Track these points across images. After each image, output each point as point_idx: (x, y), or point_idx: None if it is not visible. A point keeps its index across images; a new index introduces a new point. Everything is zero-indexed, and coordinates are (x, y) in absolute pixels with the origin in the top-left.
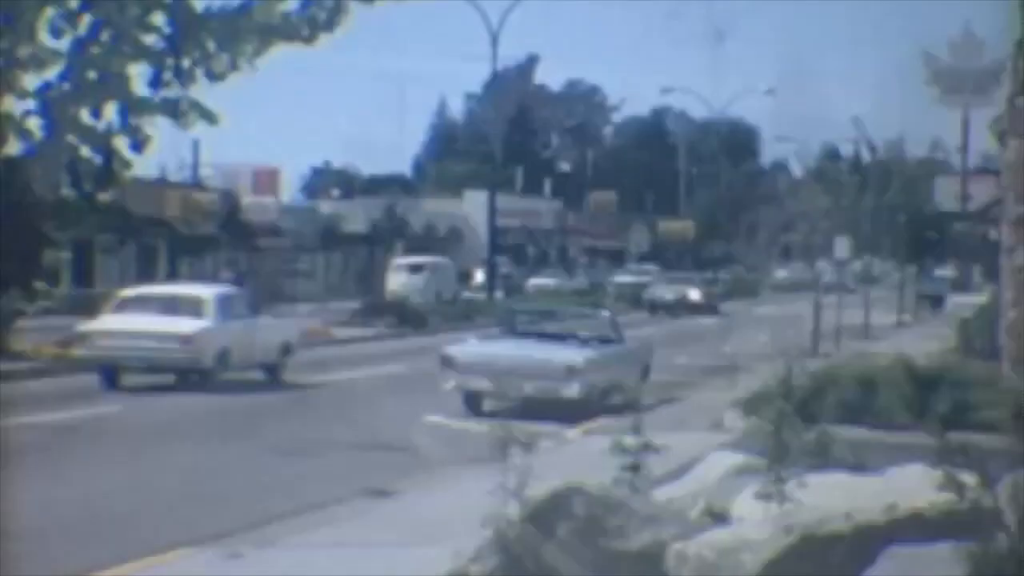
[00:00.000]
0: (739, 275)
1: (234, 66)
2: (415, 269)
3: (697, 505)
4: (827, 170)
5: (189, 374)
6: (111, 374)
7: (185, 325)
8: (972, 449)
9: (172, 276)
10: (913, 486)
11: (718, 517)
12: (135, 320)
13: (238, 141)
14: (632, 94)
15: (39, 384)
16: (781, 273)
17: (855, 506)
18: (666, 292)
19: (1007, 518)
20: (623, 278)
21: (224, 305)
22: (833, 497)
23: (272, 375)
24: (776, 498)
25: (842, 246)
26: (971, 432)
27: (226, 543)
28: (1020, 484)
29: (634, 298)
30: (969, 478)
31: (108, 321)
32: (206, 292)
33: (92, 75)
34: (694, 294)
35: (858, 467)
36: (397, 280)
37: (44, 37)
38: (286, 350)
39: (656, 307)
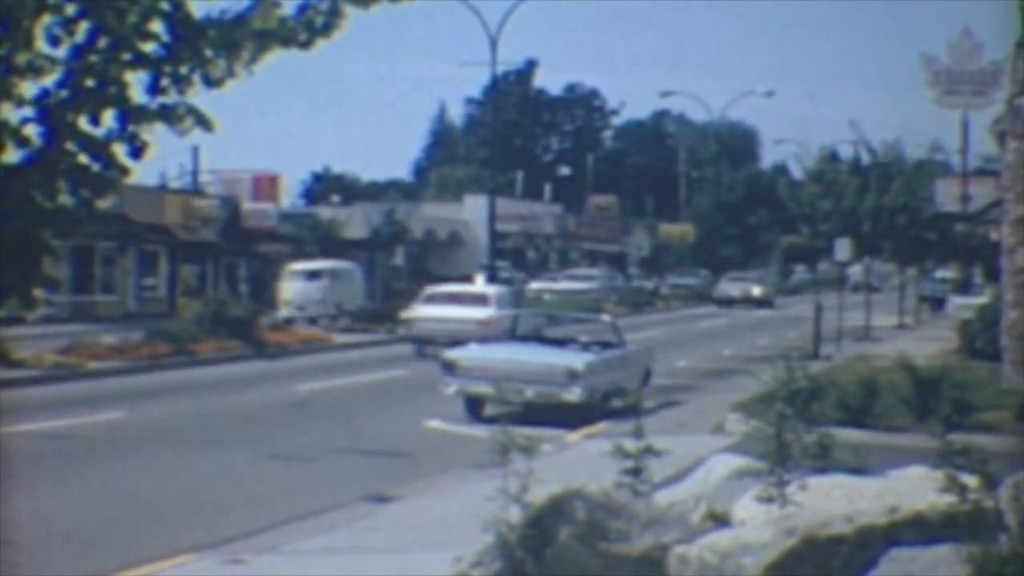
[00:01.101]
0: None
1: (232, 72)
2: (311, 276)
3: (699, 508)
4: (827, 172)
5: None
6: (423, 347)
7: (478, 312)
8: (973, 451)
9: (172, 283)
10: (914, 488)
11: (720, 520)
12: (442, 309)
13: (238, 147)
14: (631, 98)
15: (40, 391)
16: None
17: (856, 508)
18: (732, 289)
19: (1009, 519)
20: (563, 285)
21: (501, 299)
22: (834, 499)
23: None
24: (777, 501)
25: (843, 248)
26: (972, 434)
27: (227, 549)
28: (1021, 485)
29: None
30: (970, 480)
31: (422, 310)
32: (490, 289)
33: (90, 82)
34: (756, 290)
35: (859, 469)
36: (290, 289)
37: (42, 45)
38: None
39: (723, 302)
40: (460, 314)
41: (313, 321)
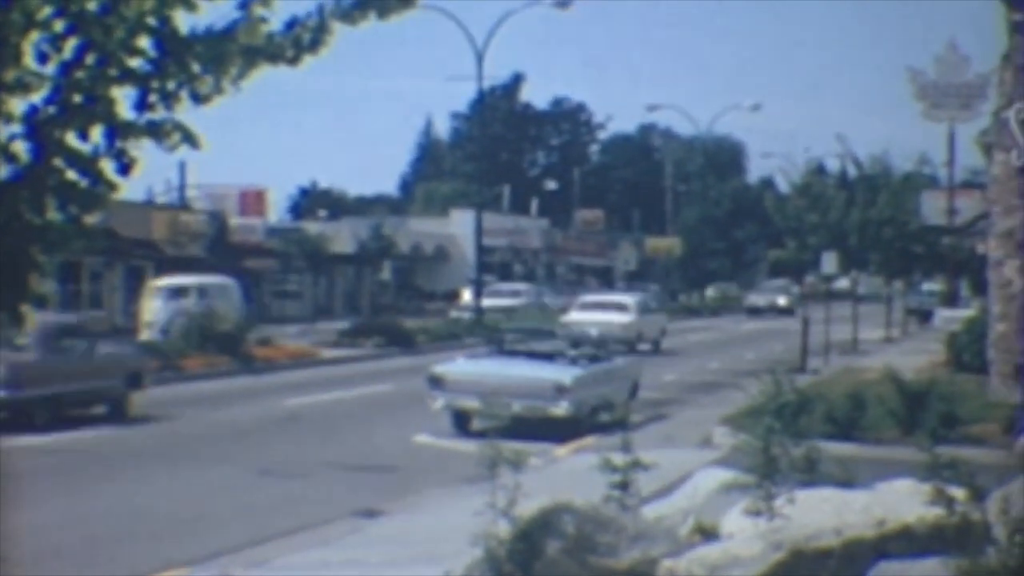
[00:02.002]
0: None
1: (219, 88)
2: (176, 294)
3: (687, 522)
4: (813, 185)
5: (627, 344)
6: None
7: (622, 317)
8: (961, 463)
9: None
10: (902, 501)
11: (708, 534)
12: (592, 315)
13: (225, 162)
14: (618, 111)
15: None
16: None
17: (844, 521)
18: (759, 299)
19: (996, 532)
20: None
21: (638, 306)
22: (822, 512)
23: (655, 346)
24: (765, 514)
25: (829, 262)
26: (960, 446)
27: (217, 564)
28: (1009, 498)
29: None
30: (958, 492)
31: (577, 315)
32: (629, 299)
33: (78, 98)
34: (781, 300)
35: (847, 482)
36: (151, 309)
37: (30, 61)
38: (663, 332)
39: (752, 311)
40: (607, 318)
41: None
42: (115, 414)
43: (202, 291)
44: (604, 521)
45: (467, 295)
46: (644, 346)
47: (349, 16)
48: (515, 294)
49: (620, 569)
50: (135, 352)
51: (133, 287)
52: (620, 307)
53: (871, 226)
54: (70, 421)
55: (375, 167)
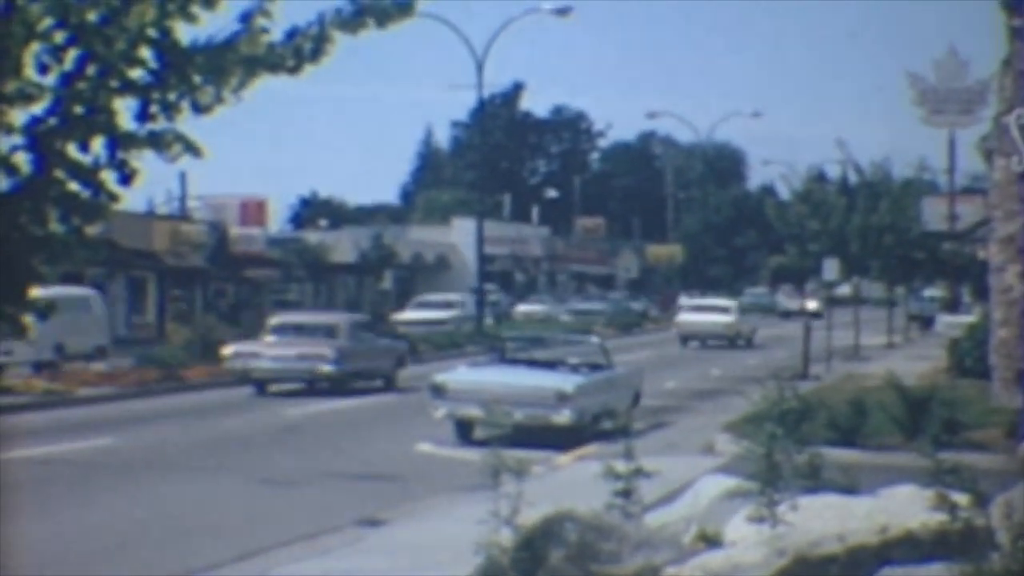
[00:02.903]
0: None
1: (220, 98)
2: None
3: (690, 529)
4: (814, 192)
5: (728, 340)
6: (687, 341)
7: (724, 318)
8: (964, 469)
9: (161, 309)
10: (905, 507)
11: (711, 541)
12: (699, 316)
13: (225, 173)
14: (618, 119)
15: (30, 418)
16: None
17: (847, 528)
18: (791, 304)
19: (1000, 537)
20: (414, 314)
21: (738, 308)
22: (825, 519)
23: (748, 342)
24: (768, 521)
25: (831, 268)
26: (962, 452)
27: (218, 574)
28: (1012, 503)
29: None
30: (961, 498)
31: (686, 316)
32: (731, 302)
33: (79, 110)
34: (812, 304)
35: (850, 489)
36: None
37: (31, 72)
38: (754, 331)
39: (784, 314)
40: (712, 319)
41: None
42: (388, 387)
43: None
44: (607, 529)
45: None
46: (740, 341)
47: (349, 25)
48: (447, 306)
49: None
50: (400, 342)
51: (134, 298)
52: (722, 310)
53: (872, 232)
54: (360, 391)
55: (376, 176)
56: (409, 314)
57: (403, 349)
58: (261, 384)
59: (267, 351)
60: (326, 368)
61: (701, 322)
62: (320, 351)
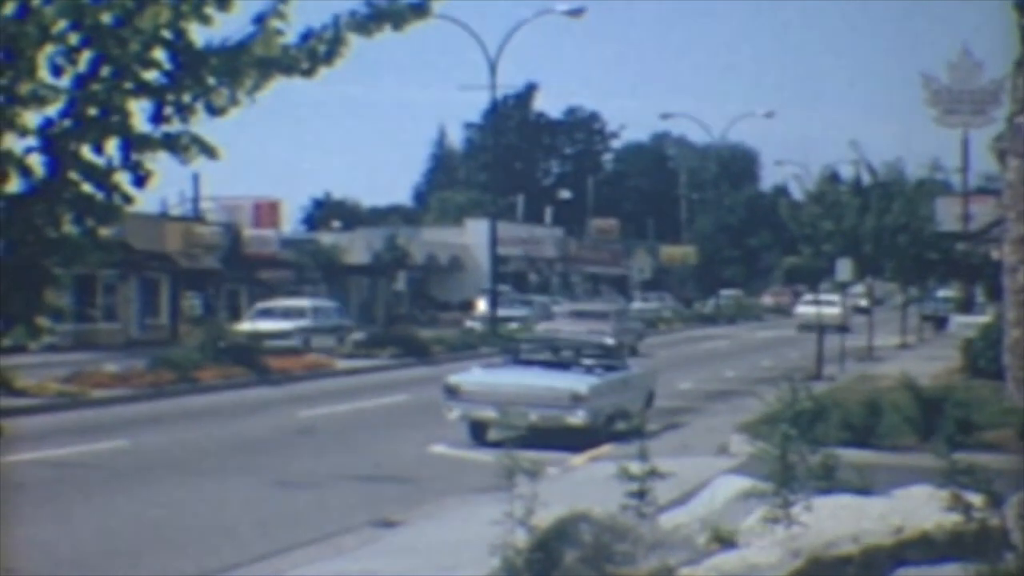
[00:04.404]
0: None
1: (234, 100)
2: None
3: (704, 530)
4: (828, 193)
5: (839, 328)
6: (805, 331)
7: (834, 309)
8: (978, 469)
9: (174, 310)
10: (920, 507)
11: (725, 542)
12: (812, 308)
13: (238, 174)
14: (631, 120)
15: (43, 420)
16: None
17: (862, 528)
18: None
19: (1014, 537)
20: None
21: (842, 302)
22: (840, 520)
23: (848, 329)
24: (783, 522)
25: (844, 268)
26: (976, 452)
27: (234, 575)
28: None
29: None
30: (976, 498)
31: (803, 309)
32: (837, 297)
33: (93, 111)
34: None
35: (864, 489)
36: None
37: (45, 74)
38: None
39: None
40: (825, 311)
41: None
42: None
43: None
44: (621, 530)
45: (481, 305)
46: (845, 329)
47: (364, 27)
48: (297, 314)
49: None
50: (639, 325)
51: (148, 299)
52: (832, 303)
53: (886, 233)
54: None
55: (389, 177)
56: (248, 325)
57: (641, 331)
58: None
59: (566, 327)
60: (608, 339)
61: (814, 314)
62: (602, 328)
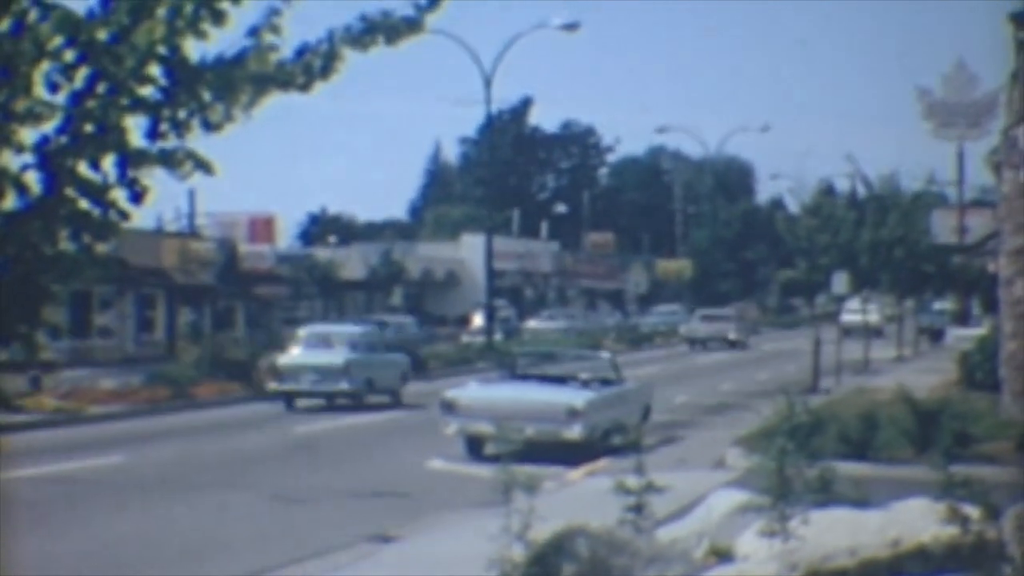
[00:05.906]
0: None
1: (230, 116)
2: None
3: (701, 544)
4: (823, 206)
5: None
6: (845, 336)
7: (873, 316)
8: (975, 482)
9: (171, 326)
10: (917, 520)
11: (722, 556)
12: (855, 316)
13: (234, 190)
14: (627, 134)
15: (40, 436)
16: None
17: (859, 541)
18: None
19: (1011, 550)
20: None
21: (879, 310)
22: (837, 533)
23: (880, 333)
24: (780, 535)
25: (840, 281)
26: (973, 465)
27: None
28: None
29: None
30: (973, 511)
31: (847, 315)
32: (873, 306)
33: (89, 128)
34: (873, 318)
35: (861, 502)
36: None
37: (41, 91)
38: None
39: (847, 332)
40: (864, 318)
41: None
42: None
43: None
44: (619, 544)
45: (478, 319)
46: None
47: (359, 42)
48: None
49: None
50: (750, 325)
51: (144, 316)
52: (868, 312)
53: (882, 246)
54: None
55: (385, 192)
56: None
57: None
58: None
59: (700, 327)
60: (732, 335)
61: (854, 321)
62: (728, 327)
